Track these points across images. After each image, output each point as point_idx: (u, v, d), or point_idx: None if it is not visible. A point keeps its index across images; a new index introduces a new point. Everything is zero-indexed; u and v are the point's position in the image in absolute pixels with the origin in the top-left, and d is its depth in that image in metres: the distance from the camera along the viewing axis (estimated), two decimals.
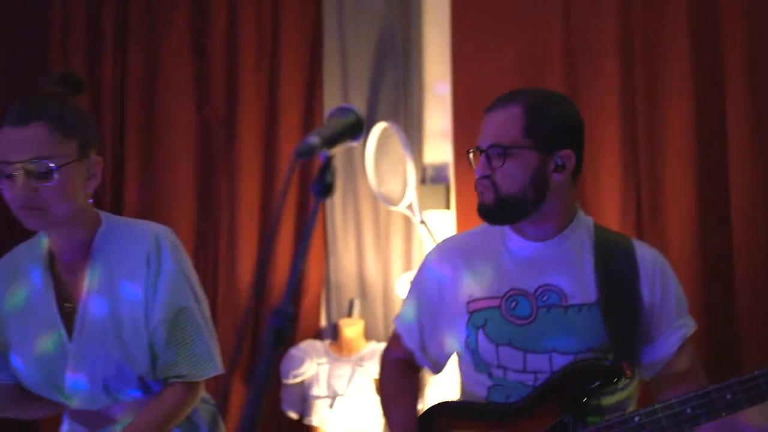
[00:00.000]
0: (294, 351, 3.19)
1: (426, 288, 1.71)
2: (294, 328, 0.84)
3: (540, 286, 1.58)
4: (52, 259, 1.65)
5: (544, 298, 1.56)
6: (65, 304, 1.62)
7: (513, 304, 1.58)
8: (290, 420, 3.21)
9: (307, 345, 3.23)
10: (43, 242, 1.66)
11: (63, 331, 1.61)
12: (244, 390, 3.36)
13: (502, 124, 1.57)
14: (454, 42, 3.21)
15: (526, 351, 1.56)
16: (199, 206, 3.45)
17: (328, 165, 1.06)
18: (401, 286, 3.12)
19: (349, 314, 3.28)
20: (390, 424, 1.70)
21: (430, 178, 3.36)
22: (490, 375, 1.60)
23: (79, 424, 1.68)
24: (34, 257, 1.65)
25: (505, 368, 1.58)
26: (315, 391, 3.12)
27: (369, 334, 3.28)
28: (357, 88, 3.36)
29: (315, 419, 3.13)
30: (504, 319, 1.58)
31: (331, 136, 1.07)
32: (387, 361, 1.80)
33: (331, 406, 3.09)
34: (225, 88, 3.46)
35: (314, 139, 1.03)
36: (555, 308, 1.56)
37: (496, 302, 1.59)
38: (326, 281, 3.41)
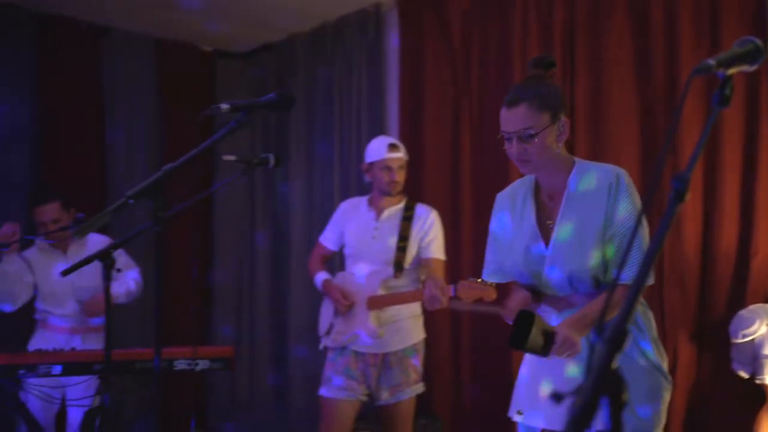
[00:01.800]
0: (744, 312, 3.26)
1: None
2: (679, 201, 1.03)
3: None
4: (537, 189, 2.24)
5: None
6: (547, 222, 2.18)
7: None
8: (741, 379, 3.28)
9: (757, 307, 3.27)
10: (533, 179, 2.26)
11: (542, 241, 2.17)
12: (690, 350, 3.54)
13: None
14: None
15: None
16: (644, 183, 3.70)
17: (726, 82, 1.31)
18: None
19: None
20: None
21: None
22: None
23: (546, 305, 2.23)
24: (526, 189, 2.26)
25: None
26: (766, 350, 3.16)
27: None
28: None
29: (767, 378, 3.16)
30: None
31: (727, 59, 1.32)
32: None
33: None
34: (665, 68, 3.66)
35: (711, 61, 1.30)
36: None
37: None
38: None
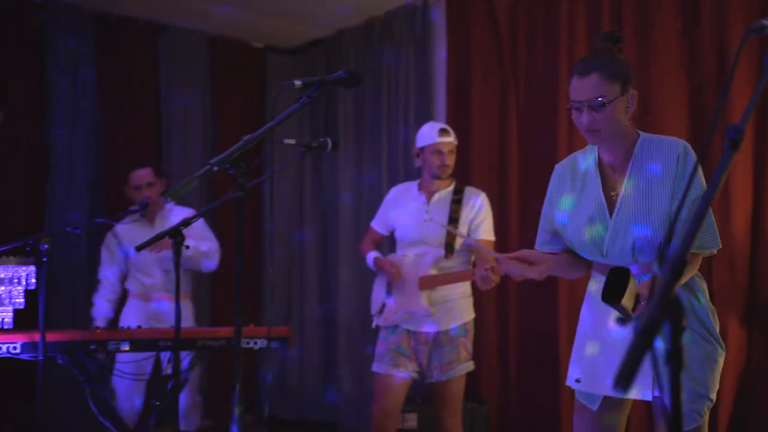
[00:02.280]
0: None
1: None
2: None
3: None
4: (600, 162, 2.27)
5: None
6: (611, 192, 2.22)
7: None
8: None
9: None
10: (595, 150, 2.28)
11: (606, 210, 2.21)
12: (740, 332, 3.57)
13: None
14: None
15: None
16: None
17: None
18: None
19: None
20: None
21: None
22: None
23: (600, 274, 2.26)
24: (588, 161, 2.29)
25: None
26: None
27: None
28: None
29: None
30: None
31: None
32: None
33: None
34: (713, 52, 3.70)
35: (766, 21, 1.39)
36: None
37: None
38: None
